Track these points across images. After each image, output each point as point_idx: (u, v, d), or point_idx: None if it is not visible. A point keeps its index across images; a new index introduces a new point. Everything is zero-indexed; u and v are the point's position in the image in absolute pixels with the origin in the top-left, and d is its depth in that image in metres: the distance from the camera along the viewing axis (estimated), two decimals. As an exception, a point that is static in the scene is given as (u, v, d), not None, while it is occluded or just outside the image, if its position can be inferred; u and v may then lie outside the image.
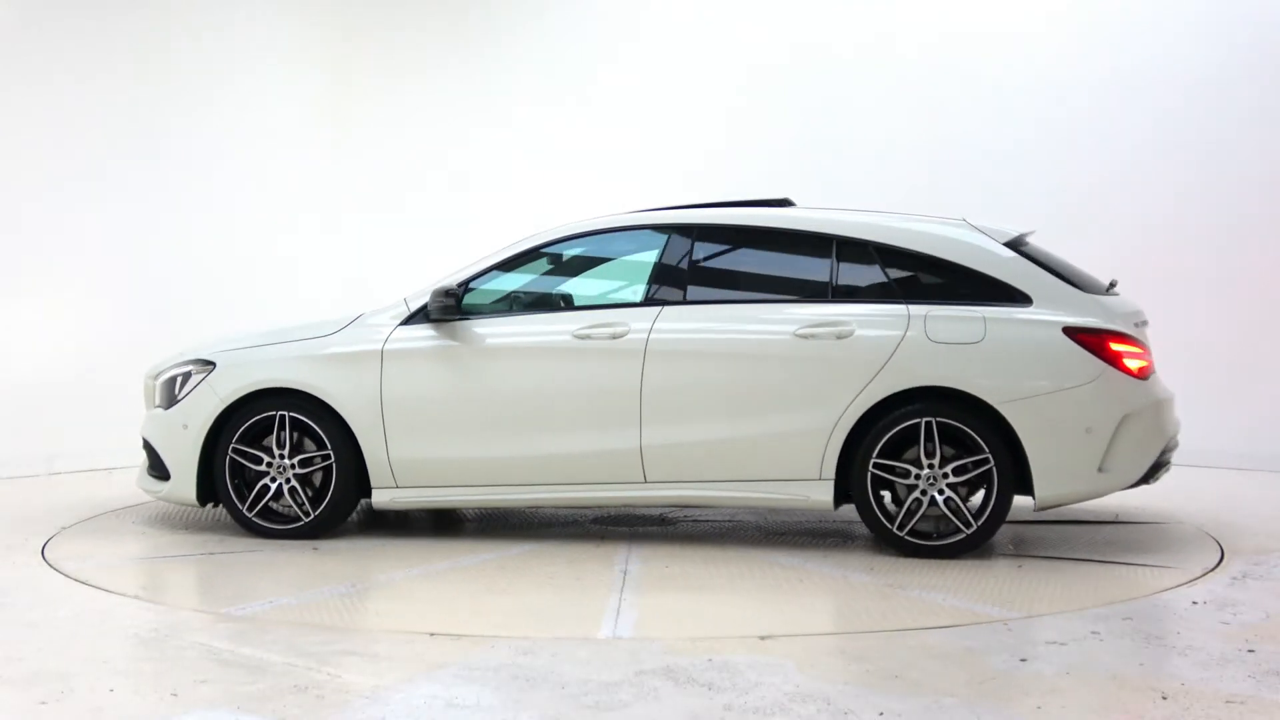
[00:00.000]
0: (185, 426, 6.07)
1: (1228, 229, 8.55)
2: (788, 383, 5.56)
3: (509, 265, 6.08)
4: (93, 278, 8.89)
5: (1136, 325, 5.61)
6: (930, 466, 5.38)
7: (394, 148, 10.95)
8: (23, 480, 8.04)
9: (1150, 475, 5.51)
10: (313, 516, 5.95)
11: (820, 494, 5.53)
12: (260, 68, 10.15)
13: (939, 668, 3.83)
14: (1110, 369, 5.34)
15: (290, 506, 6.02)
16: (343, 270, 10.58)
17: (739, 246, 6.00)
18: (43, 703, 3.51)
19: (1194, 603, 4.69)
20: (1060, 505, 5.54)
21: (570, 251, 6.22)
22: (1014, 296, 5.48)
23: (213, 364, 6.13)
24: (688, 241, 5.89)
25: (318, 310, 9.10)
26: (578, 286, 6.24)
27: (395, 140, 10.97)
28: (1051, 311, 5.43)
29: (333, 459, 5.91)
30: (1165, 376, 5.80)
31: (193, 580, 5.34)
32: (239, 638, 4.18)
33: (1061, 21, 9.16)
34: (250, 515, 6.01)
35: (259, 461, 5.99)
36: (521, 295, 6.16)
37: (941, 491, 5.38)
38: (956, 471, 5.37)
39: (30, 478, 8.14)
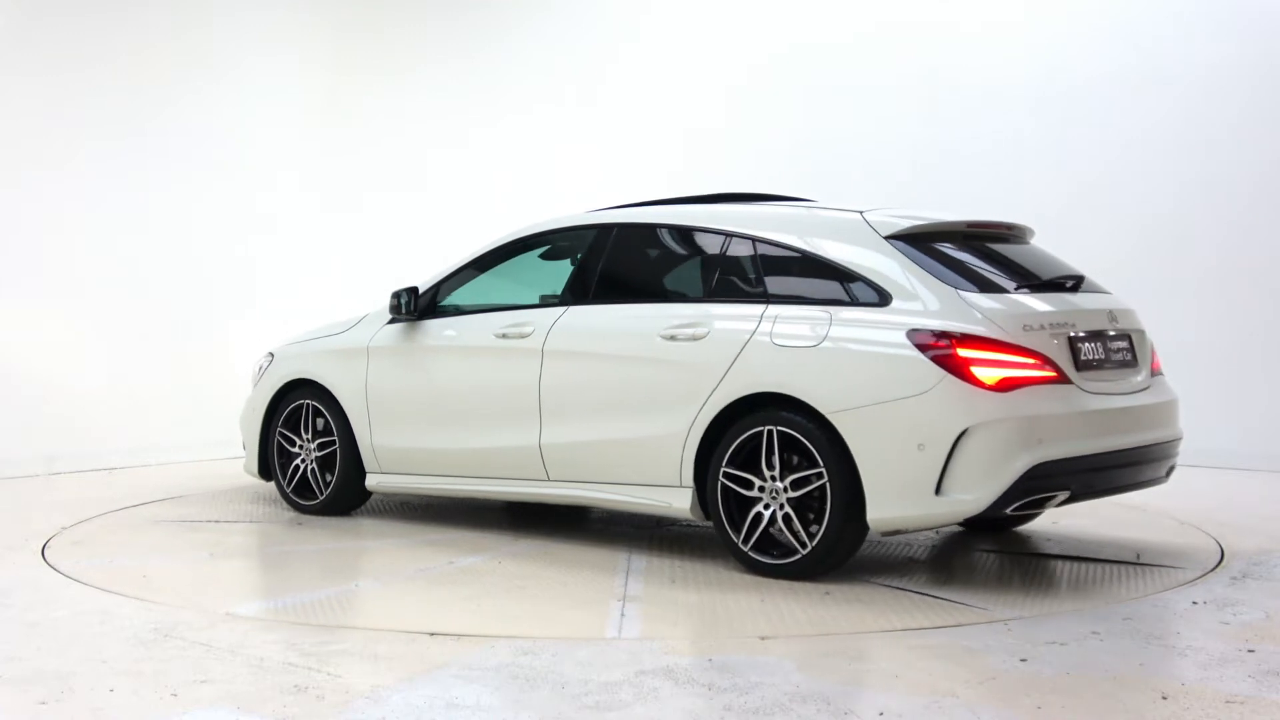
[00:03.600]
0: (253, 410, 6.99)
1: (1228, 228, 8.55)
2: (651, 385, 5.41)
3: (470, 267, 6.37)
4: (92, 276, 8.90)
5: (1029, 329, 4.85)
6: (773, 479, 5.01)
7: (401, 146, 10.96)
8: (23, 480, 8.04)
9: (1011, 502, 4.70)
10: (323, 496, 6.66)
11: (680, 501, 5.32)
12: (261, 65, 10.15)
13: (939, 668, 3.83)
14: (950, 378, 4.68)
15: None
16: (356, 269, 10.58)
17: (645, 244, 5.91)
18: (43, 703, 3.51)
19: (1194, 603, 4.69)
20: (899, 531, 5.03)
21: (524, 253, 6.32)
22: (875, 295, 4.99)
23: (273, 356, 7.03)
24: (604, 241, 5.91)
25: (314, 308, 9.09)
26: (517, 287, 6.39)
27: (402, 138, 10.97)
28: (905, 312, 4.88)
29: (336, 444, 6.55)
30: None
31: (193, 580, 5.34)
32: (239, 638, 4.18)
33: (1065, 18, 9.16)
34: (288, 491, 6.81)
35: (294, 444, 6.76)
36: (474, 296, 6.40)
37: (782, 506, 4.98)
38: (795, 485, 4.95)
39: (30, 478, 8.14)
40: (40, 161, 8.63)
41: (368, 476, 6.52)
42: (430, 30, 11.13)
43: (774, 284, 5.28)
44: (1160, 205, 8.76)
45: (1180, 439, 5.50)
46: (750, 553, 5.08)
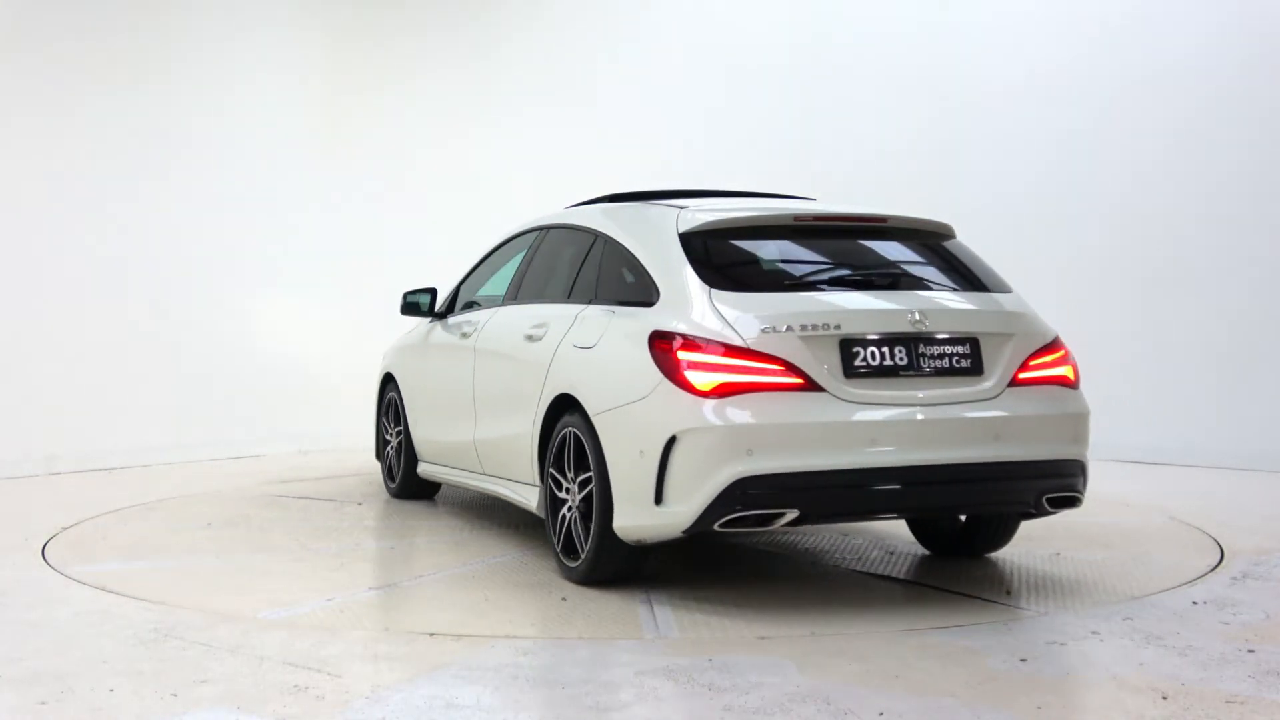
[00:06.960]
0: (376, 401, 7.63)
1: (1228, 226, 8.55)
2: (514, 384, 5.48)
3: (479, 267, 6.68)
4: (91, 277, 8.90)
5: (772, 331, 4.40)
6: (571, 481, 4.91)
7: (406, 147, 10.95)
8: (23, 480, 8.04)
9: (717, 517, 4.29)
10: (396, 482, 7.25)
11: (533, 499, 5.29)
12: (262, 73, 10.15)
13: (939, 668, 3.83)
14: (666, 382, 4.40)
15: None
16: (360, 271, 10.57)
17: (553, 246, 5.92)
18: (43, 703, 3.51)
19: (1194, 603, 4.68)
20: (642, 541, 4.63)
21: (508, 255, 6.43)
22: (647, 294, 4.78)
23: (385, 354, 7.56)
24: (537, 242, 6.04)
25: (316, 310, 9.10)
26: (493, 289, 6.51)
27: (409, 141, 10.97)
28: (661, 313, 4.63)
29: (403, 434, 7.11)
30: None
31: (193, 580, 5.34)
32: (239, 638, 4.18)
33: (1067, 17, 9.16)
34: (385, 475, 7.46)
35: (388, 432, 7.41)
36: (471, 297, 6.66)
37: (576, 509, 4.86)
38: (581, 488, 4.82)
39: (30, 478, 8.13)
40: (40, 166, 8.62)
41: (418, 464, 6.96)
42: (428, 37, 11.14)
43: (602, 284, 5.18)
44: (1161, 204, 8.76)
45: (1068, 459, 4.70)
46: (560, 554, 5.02)
